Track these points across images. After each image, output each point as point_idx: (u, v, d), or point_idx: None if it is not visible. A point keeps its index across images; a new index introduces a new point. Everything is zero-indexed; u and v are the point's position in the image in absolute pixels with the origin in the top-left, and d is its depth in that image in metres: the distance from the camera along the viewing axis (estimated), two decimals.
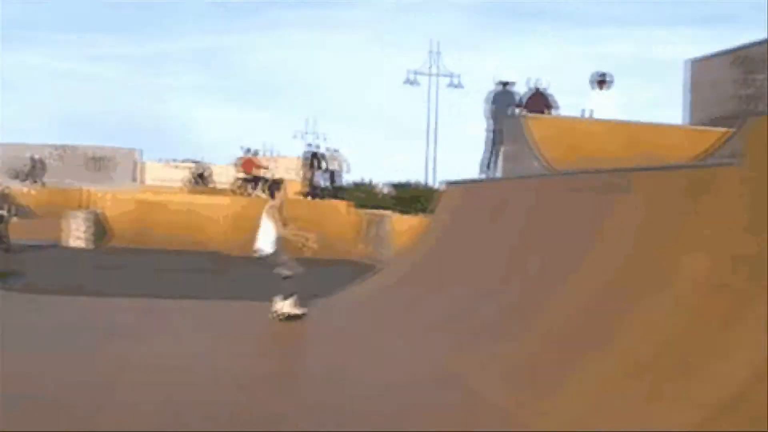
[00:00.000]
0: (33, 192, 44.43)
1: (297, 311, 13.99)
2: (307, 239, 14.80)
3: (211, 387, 8.91)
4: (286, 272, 13.98)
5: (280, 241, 14.30)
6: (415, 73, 65.63)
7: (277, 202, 14.54)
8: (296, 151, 49.76)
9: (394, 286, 14.55)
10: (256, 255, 14.37)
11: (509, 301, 10.03)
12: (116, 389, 8.69)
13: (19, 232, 32.66)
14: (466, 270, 12.23)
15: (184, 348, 11.44)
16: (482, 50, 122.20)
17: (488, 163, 20.37)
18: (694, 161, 10.89)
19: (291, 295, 14.01)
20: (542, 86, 20.90)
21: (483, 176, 19.53)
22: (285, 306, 13.95)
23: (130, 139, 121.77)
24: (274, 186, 15.05)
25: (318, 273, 23.12)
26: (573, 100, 32.72)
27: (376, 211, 33.64)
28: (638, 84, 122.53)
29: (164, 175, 48.02)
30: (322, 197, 38.01)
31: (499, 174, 18.52)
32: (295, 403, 8.48)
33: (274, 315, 13.85)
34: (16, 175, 46.23)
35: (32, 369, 9.44)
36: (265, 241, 14.24)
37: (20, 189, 44.30)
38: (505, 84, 21.26)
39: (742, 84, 20.11)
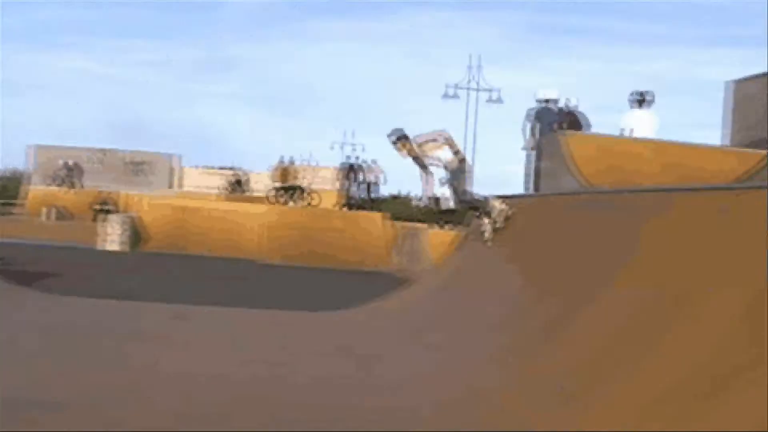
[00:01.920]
0: (71, 194, 44.78)
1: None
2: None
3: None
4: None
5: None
6: (455, 87, 65.24)
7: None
8: (334, 161, 49.76)
9: (426, 299, 14.38)
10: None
11: (542, 319, 9.84)
12: (140, 393, 8.65)
13: (55, 234, 32.96)
14: (498, 286, 12.05)
15: (203, 354, 11.35)
16: (522, 66, 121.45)
17: (530, 179, 20.22)
18: (733, 183, 10.66)
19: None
20: (572, 105, 20.69)
21: (525, 192, 19.36)
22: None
23: (170, 145, 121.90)
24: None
25: (350, 284, 23.15)
26: (612, 118, 32.48)
27: (411, 224, 33.53)
28: (678, 104, 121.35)
29: (202, 182, 48.05)
30: (359, 208, 37.95)
31: (537, 190, 18.34)
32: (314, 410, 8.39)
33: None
34: (53, 179, 46.48)
35: (54, 372, 9.41)
36: None
37: (57, 191, 44.67)
38: (546, 101, 21.07)
39: None
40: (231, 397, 8.58)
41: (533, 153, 20.57)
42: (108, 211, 36.45)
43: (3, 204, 44.77)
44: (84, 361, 10.19)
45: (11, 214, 41.70)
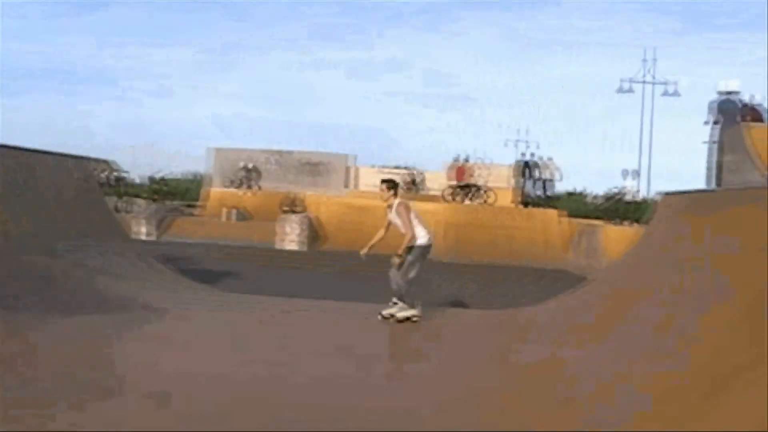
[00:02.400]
0: (250, 195, 45.84)
1: (410, 313, 13.94)
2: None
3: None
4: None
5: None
6: (629, 81, 64.11)
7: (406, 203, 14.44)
8: (507, 158, 49.49)
9: (592, 300, 14.06)
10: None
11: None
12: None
13: (237, 234, 33.77)
14: (674, 288, 11.59)
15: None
16: (699, 58, 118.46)
17: (712, 174, 19.62)
18: None
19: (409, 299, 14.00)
20: (756, 101, 19.99)
21: (707, 187, 18.76)
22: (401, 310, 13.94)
23: (344, 145, 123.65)
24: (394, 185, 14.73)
25: (526, 281, 22.98)
26: None
27: (587, 221, 33.14)
28: None
29: (376, 181, 48.24)
30: (534, 206, 37.74)
31: (719, 185, 17.74)
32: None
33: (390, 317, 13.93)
34: (231, 182, 47.68)
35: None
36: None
37: (237, 193, 45.79)
38: (728, 93, 20.42)
39: None
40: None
41: (715, 147, 19.98)
42: (295, 212, 37.22)
43: (186, 206, 46.09)
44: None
45: (193, 215, 42.93)
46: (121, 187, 41.38)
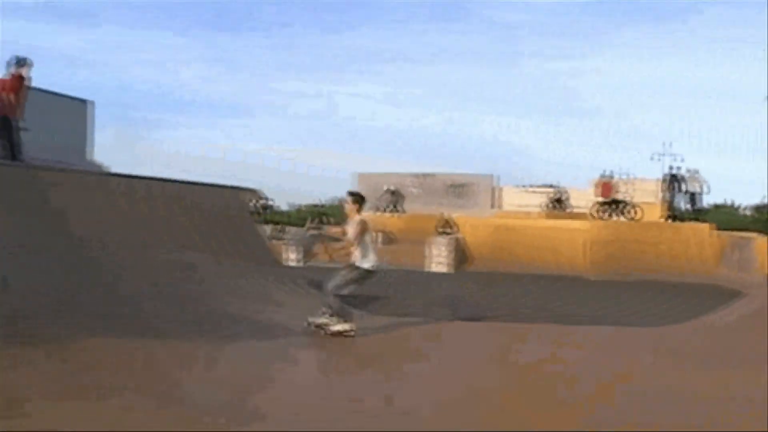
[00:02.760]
0: (395, 218, 46.32)
1: (344, 327, 13.75)
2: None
3: None
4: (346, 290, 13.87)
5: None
6: None
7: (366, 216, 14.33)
8: (653, 173, 48.68)
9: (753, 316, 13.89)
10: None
11: None
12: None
13: (384, 257, 34.16)
14: None
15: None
16: None
17: None
18: None
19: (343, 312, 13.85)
20: None
21: None
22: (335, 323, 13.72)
23: (488, 165, 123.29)
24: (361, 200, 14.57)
25: (679, 295, 22.66)
26: None
27: (740, 234, 32.46)
28: None
29: (521, 200, 48.35)
30: (683, 220, 37.18)
31: None
32: None
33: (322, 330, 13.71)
34: (377, 207, 48.28)
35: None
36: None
37: (383, 216, 46.31)
38: None
39: None
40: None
41: None
42: (447, 233, 37.47)
43: None
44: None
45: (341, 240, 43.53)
46: (268, 214, 42.25)
